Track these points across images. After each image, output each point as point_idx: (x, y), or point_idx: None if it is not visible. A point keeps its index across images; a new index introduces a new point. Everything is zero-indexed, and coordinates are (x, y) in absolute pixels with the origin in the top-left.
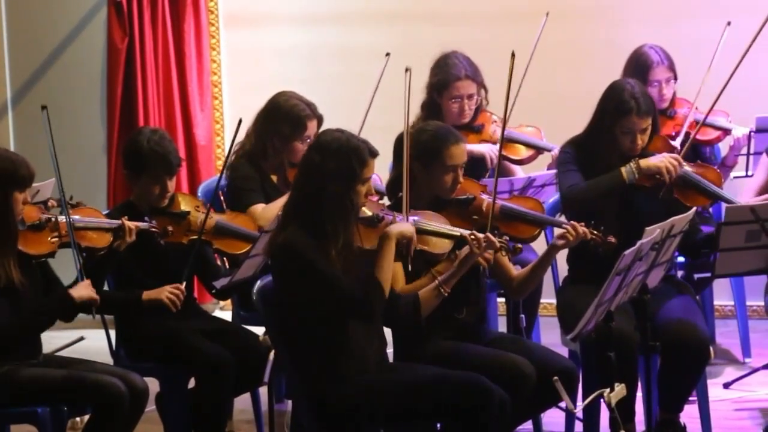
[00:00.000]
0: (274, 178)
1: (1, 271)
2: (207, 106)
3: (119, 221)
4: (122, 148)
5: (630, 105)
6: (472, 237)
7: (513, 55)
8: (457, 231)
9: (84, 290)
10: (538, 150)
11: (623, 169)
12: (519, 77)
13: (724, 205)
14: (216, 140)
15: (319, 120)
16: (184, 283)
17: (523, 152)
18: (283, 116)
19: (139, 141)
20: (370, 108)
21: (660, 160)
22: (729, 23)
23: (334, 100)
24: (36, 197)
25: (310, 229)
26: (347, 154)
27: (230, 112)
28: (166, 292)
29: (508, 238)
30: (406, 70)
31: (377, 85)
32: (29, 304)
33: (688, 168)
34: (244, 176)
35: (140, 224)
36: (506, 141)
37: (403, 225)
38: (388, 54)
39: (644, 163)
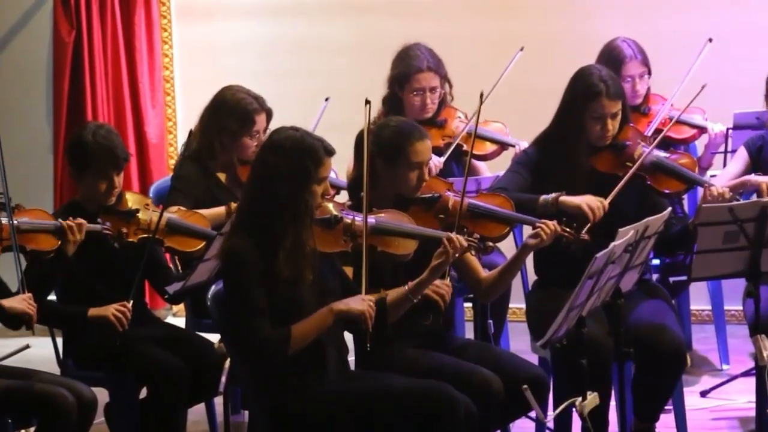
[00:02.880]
0: (222, 177)
1: None
2: (158, 102)
3: (57, 221)
4: (66, 144)
5: (599, 88)
6: (449, 239)
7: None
8: (427, 230)
9: (18, 303)
10: (503, 146)
11: (541, 198)
12: (486, 71)
13: (699, 203)
14: (168, 138)
15: (268, 113)
16: (131, 302)
17: (488, 147)
18: (229, 111)
19: (83, 135)
20: (327, 105)
21: (583, 201)
22: (710, 40)
23: (290, 95)
24: None
25: (260, 234)
26: (301, 153)
27: (183, 108)
28: (112, 309)
29: (478, 236)
30: (366, 102)
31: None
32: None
33: (661, 153)
34: (179, 176)
35: (91, 225)
36: (470, 136)
37: (354, 303)
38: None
39: (564, 199)
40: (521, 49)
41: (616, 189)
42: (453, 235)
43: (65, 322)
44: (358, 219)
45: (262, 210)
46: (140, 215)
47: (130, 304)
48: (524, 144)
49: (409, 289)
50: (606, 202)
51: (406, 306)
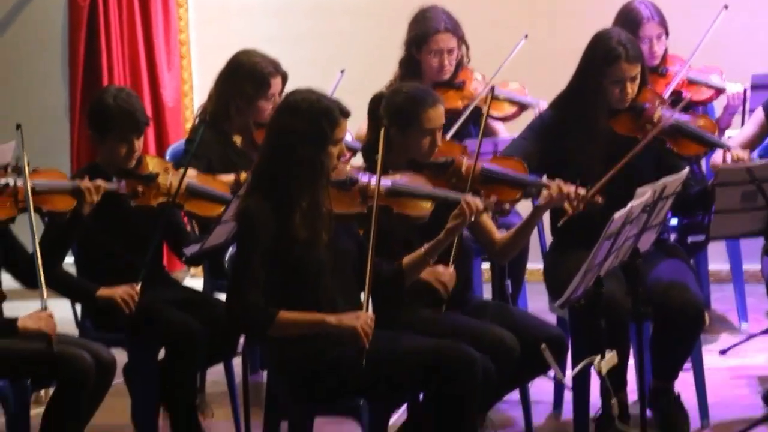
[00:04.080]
0: (238, 140)
1: None
2: (174, 65)
3: (74, 182)
4: (87, 107)
5: (618, 51)
6: (466, 201)
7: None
8: (442, 192)
9: (34, 323)
10: (522, 106)
11: None
12: (503, 33)
13: (713, 163)
14: (184, 101)
15: (284, 77)
16: (139, 285)
17: (507, 108)
18: (245, 75)
19: (104, 99)
20: (342, 77)
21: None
22: (726, 7)
23: (305, 59)
24: None
25: (276, 195)
26: (317, 114)
27: (199, 72)
28: (120, 291)
29: (495, 198)
30: (382, 126)
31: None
32: None
33: (680, 116)
34: (192, 139)
35: (106, 184)
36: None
37: (347, 320)
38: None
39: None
40: (525, 37)
41: (640, 146)
42: (470, 196)
43: (73, 297)
44: (374, 181)
45: (278, 171)
46: (160, 179)
47: (138, 287)
48: (544, 104)
49: (426, 251)
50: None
51: (423, 268)
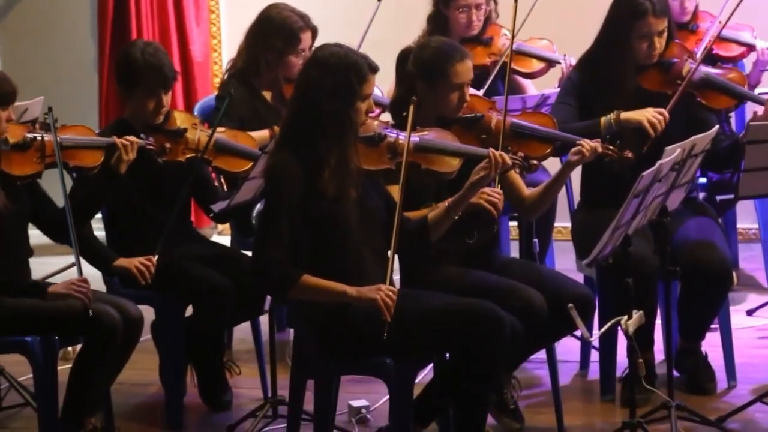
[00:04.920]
0: (267, 95)
1: None
2: (203, 20)
3: (111, 138)
4: (114, 61)
5: (645, 6)
6: (492, 155)
7: None
8: (470, 148)
9: (65, 289)
10: (550, 63)
11: (602, 119)
12: None
13: (747, 122)
14: (213, 56)
15: (314, 31)
16: (157, 256)
17: (535, 65)
18: (275, 29)
19: (131, 53)
20: (371, 23)
21: (642, 114)
22: None
23: (333, 14)
24: (24, 116)
25: (304, 151)
26: (345, 69)
27: (228, 26)
28: (136, 262)
29: (523, 155)
30: (411, 102)
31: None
32: (10, 278)
33: (710, 70)
34: (223, 96)
35: (138, 140)
36: (517, 54)
37: (368, 293)
38: None
39: (625, 115)
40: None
41: (672, 101)
42: (497, 151)
43: (92, 262)
44: (402, 137)
45: (307, 127)
46: (188, 134)
47: (155, 259)
48: (572, 60)
49: (449, 206)
50: (666, 112)
51: (448, 223)
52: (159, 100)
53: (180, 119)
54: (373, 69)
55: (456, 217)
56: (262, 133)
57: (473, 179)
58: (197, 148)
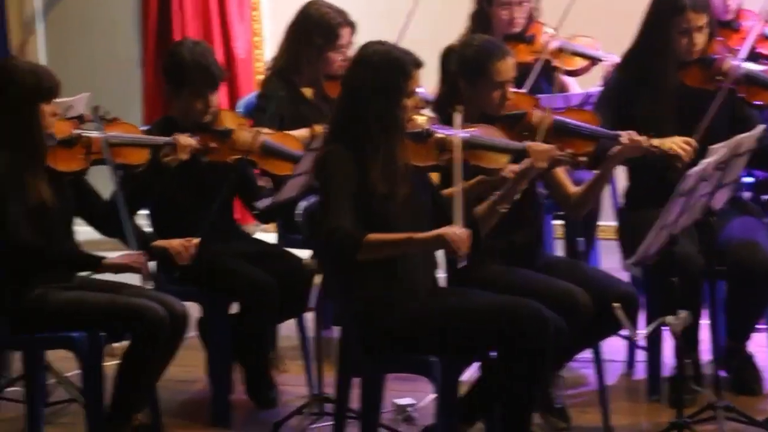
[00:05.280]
0: (307, 92)
1: (32, 188)
2: (246, 17)
3: (167, 138)
4: (162, 60)
5: (684, 1)
6: (533, 148)
7: None
8: (518, 144)
9: (121, 260)
10: (593, 60)
11: None
12: None
13: None
14: (255, 53)
15: (352, 27)
16: (198, 239)
17: (578, 63)
18: (314, 26)
19: (180, 53)
20: (411, 21)
21: (671, 142)
22: None
23: (373, 11)
24: (69, 113)
25: (354, 149)
26: (390, 66)
27: (270, 23)
28: (175, 243)
29: (570, 151)
30: (455, 110)
31: None
32: (64, 248)
33: (751, 66)
34: (264, 95)
35: (193, 143)
36: (560, 51)
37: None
38: None
39: (657, 141)
40: None
41: (709, 115)
42: (545, 145)
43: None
44: (450, 133)
45: (353, 127)
46: (235, 135)
47: (196, 240)
48: (615, 58)
49: (497, 200)
50: (694, 142)
51: (494, 218)
52: (206, 100)
53: (228, 119)
54: (418, 64)
55: (503, 211)
56: (302, 132)
57: (519, 169)
58: (244, 149)
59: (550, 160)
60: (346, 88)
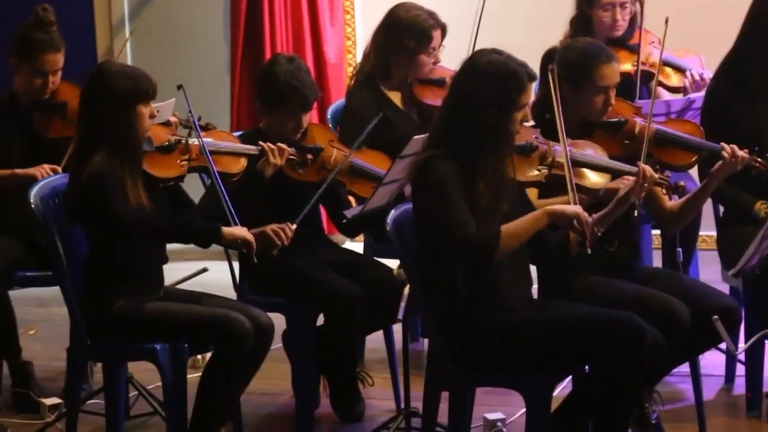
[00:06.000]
0: (394, 97)
1: (131, 193)
2: (338, 21)
3: (264, 144)
4: (248, 65)
5: None
6: (642, 171)
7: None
8: (621, 165)
9: (239, 231)
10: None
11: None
12: None
13: None
14: (347, 58)
15: (443, 29)
16: (295, 226)
17: (681, 81)
18: (405, 29)
19: (274, 72)
20: (480, 21)
21: None
22: None
23: (464, 13)
24: (156, 119)
25: (461, 159)
26: (504, 78)
27: (363, 27)
28: (272, 225)
29: (669, 174)
30: (550, 70)
31: None
32: (180, 217)
33: None
34: (352, 111)
35: (288, 148)
36: (665, 65)
37: (568, 207)
38: None
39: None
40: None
41: None
42: (647, 168)
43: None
44: (555, 148)
45: (463, 135)
46: (325, 153)
47: (294, 226)
48: (707, 73)
49: (595, 221)
50: None
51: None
52: (299, 120)
53: (317, 134)
54: (532, 77)
55: (600, 234)
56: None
57: (620, 195)
58: (332, 168)
59: (650, 182)
60: (455, 95)
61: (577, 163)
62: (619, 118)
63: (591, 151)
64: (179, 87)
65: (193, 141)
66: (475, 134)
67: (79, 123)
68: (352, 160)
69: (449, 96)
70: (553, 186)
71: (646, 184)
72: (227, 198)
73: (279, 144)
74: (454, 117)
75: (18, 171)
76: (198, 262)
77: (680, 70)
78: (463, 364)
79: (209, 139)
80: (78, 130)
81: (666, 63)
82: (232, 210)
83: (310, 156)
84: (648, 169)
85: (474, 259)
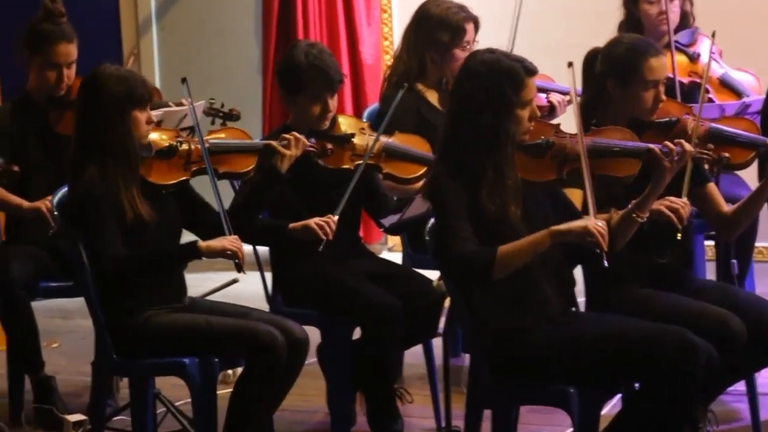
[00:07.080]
0: (431, 97)
1: (126, 204)
2: (374, 20)
3: (267, 141)
4: (277, 66)
5: None
6: (662, 148)
7: None
8: (642, 145)
9: (218, 243)
10: (746, 106)
11: None
12: None
13: None
14: (384, 59)
15: (476, 22)
16: (337, 216)
17: (732, 100)
18: (437, 24)
19: (294, 56)
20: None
21: None
22: None
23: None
24: (184, 122)
25: (462, 170)
26: (497, 78)
27: (400, 27)
28: (315, 218)
29: (723, 155)
30: (569, 65)
31: None
32: (154, 245)
33: None
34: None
35: (304, 138)
36: (721, 83)
37: (575, 223)
38: None
39: None
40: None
41: None
42: (667, 143)
43: (270, 239)
44: (572, 140)
45: (461, 142)
46: (356, 140)
47: (335, 218)
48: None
49: (633, 208)
50: None
51: (633, 228)
52: (325, 104)
53: (346, 124)
54: (531, 72)
55: (641, 220)
56: None
57: (654, 174)
58: (364, 153)
59: (685, 153)
60: (453, 101)
61: (601, 153)
62: (670, 118)
63: (612, 137)
64: (183, 80)
65: (195, 144)
66: (475, 141)
67: (75, 129)
68: (386, 142)
69: (449, 103)
70: (575, 184)
71: (678, 157)
72: (221, 201)
73: (294, 133)
74: (454, 125)
75: (24, 204)
76: (228, 272)
77: (737, 93)
78: (505, 380)
79: (215, 139)
80: (73, 136)
81: (723, 82)
82: (226, 215)
83: (330, 146)
84: (684, 143)
85: (469, 278)
